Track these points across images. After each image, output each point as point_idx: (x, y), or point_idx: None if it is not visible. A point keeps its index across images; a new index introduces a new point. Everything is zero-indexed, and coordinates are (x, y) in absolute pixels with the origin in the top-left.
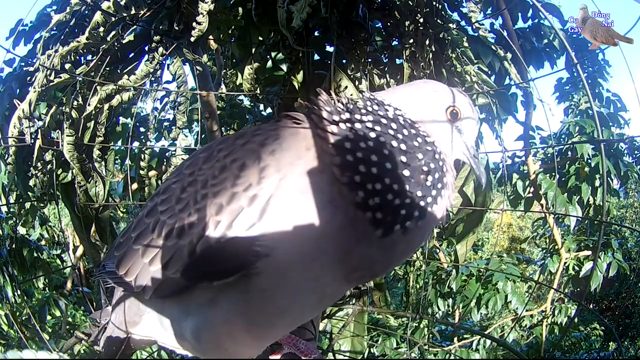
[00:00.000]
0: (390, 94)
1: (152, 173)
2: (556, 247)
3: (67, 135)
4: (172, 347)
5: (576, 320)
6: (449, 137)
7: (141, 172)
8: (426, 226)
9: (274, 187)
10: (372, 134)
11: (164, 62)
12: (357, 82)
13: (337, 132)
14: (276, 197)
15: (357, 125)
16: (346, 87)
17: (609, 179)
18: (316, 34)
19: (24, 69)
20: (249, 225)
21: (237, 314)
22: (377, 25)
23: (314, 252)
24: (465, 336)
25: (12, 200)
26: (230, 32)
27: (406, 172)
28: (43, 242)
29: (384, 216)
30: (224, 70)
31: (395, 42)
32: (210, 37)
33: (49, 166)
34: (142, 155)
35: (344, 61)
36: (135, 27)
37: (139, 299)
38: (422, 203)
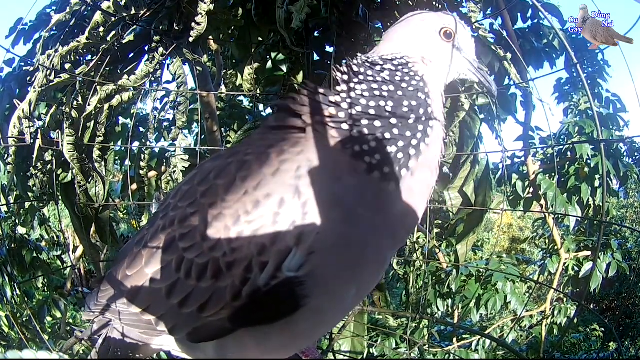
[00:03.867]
0: (387, 42)
1: (151, 173)
2: (556, 247)
3: (67, 135)
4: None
5: (576, 320)
6: (449, 58)
7: (141, 172)
8: (430, 161)
9: (319, 221)
10: (372, 104)
11: (164, 62)
12: None
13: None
14: (323, 232)
15: (355, 111)
16: None
17: (608, 179)
18: (316, 34)
19: (24, 69)
20: (298, 266)
21: (277, 334)
22: (377, 26)
23: (359, 266)
24: (464, 336)
25: (12, 200)
26: (230, 32)
27: (394, 121)
28: (43, 243)
29: (391, 169)
30: (224, 71)
31: None
32: (210, 37)
33: (49, 166)
34: (142, 156)
35: (344, 61)
36: (135, 27)
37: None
38: (413, 141)
